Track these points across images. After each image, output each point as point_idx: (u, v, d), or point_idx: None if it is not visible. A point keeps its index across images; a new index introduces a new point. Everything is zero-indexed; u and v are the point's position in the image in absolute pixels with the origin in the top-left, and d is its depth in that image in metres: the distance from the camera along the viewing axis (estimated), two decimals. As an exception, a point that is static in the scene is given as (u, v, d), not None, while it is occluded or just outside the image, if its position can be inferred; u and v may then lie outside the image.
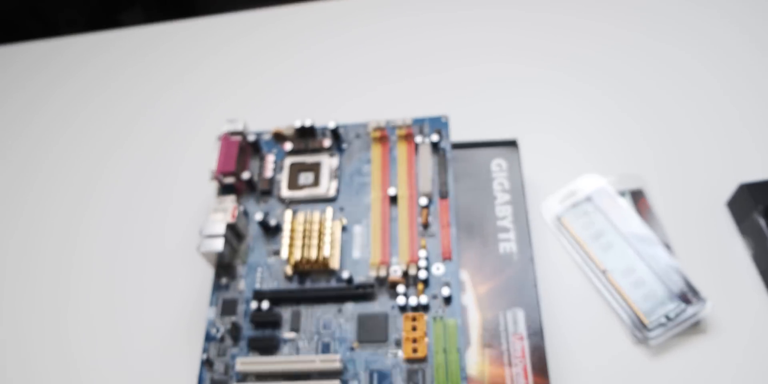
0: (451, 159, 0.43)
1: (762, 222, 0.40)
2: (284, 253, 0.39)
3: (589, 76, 0.54)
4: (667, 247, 0.43)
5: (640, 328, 0.40)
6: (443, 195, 0.42)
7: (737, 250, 0.44)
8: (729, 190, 0.46)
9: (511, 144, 0.44)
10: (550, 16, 0.59)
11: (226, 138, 0.45)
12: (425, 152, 0.43)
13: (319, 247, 0.39)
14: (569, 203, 0.45)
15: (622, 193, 0.46)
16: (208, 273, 0.45)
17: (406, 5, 0.63)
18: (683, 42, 0.56)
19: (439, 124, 0.45)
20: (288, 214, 0.41)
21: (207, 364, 0.38)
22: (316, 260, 0.39)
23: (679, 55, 0.55)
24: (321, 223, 0.40)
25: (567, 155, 0.49)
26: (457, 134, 0.47)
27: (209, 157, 0.49)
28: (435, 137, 0.43)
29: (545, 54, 0.56)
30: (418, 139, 0.44)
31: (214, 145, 0.49)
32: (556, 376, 0.40)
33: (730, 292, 0.42)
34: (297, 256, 0.39)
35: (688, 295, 0.40)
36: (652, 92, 0.52)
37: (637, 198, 0.46)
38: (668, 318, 0.40)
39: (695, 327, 0.40)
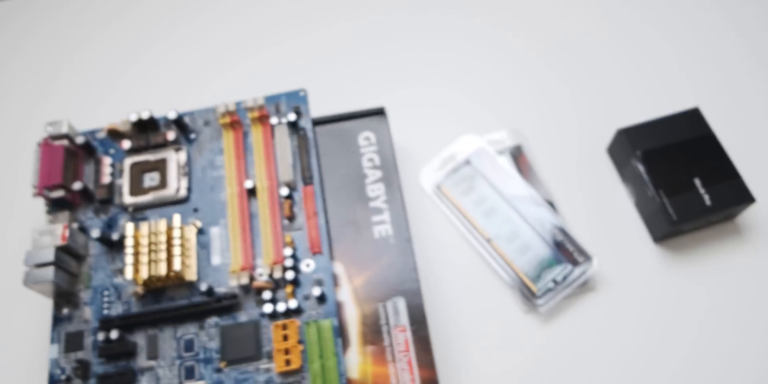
0: (312, 138, 0.38)
1: (641, 168, 0.38)
2: (129, 273, 0.34)
3: (453, 31, 0.49)
4: (551, 204, 0.40)
5: (529, 296, 0.38)
6: (307, 181, 0.37)
7: (620, 199, 0.41)
8: (609, 136, 0.43)
9: (379, 113, 0.40)
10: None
11: (47, 144, 0.38)
12: (282, 135, 0.38)
13: (169, 261, 0.34)
14: (448, 169, 0.41)
15: (501, 152, 0.42)
16: (46, 305, 0.39)
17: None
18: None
19: (297, 100, 0.40)
20: (129, 226, 0.35)
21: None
22: (167, 275, 0.34)
23: (545, 3, 0.51)
24: (168, 232, 0.35)
25: (442, 118, 0.45)
26: (320, 108, 0.42)
27: (31, 169, 0.42)
28: (292, 116, 0.38)
29: (403, 8, 0.50)
30: (274, 120, 0.38)
31: (34, 155, 0.41)
32: (447, 363, 0.37)
33: (615, 243, 0.40)
34: (144, 274, 0.34)
35: (575, 254, 0.38)
36: (520, 43, 0.48)
37: (517, 155, 0.43)
38: (555, 282, 0.37)
39: (585, 286, 0.38)
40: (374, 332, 0.34)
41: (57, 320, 0.35)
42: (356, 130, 0.39)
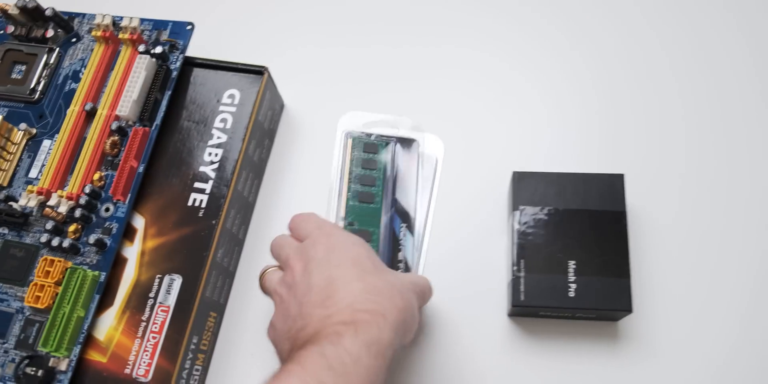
0: (174, 79, 0.34)
1: (516, 226, 0.31)
2: (-63, 158, 0.33)
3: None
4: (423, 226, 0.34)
5: None
6: (144, 122, 0.34)
7: (499, 249, 0.34)
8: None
9: (258, 72, 0.35)
10: None
11: (-68, 6, 0.37)
12: (140, 66, 0.34)
13: (-25, 159, 0.33)
14: (375, 131, 0.36)
15: (430, 157, 0.36)
16: None
17: None
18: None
19: (181, 33, 0.35)
20: (-40, 112, 0.34)
21: None
22: (-31, 173, 0.33)
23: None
24: (-12, 131, 0.34)
25: (356, 98, 0.39)
26: (211, 51, 0.37)
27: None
28: (159, 48, 0.34)
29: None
30: (142, 47, 0.35)
31: None
32: (223, 360, 0.34)
33: (469, 299, 0.34)
34: (-50, 163, 0.33)
35: None
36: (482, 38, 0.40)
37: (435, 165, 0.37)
38: None
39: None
40: (139, 302, 0.31)
41: None
42: (226, 84, 0.35)
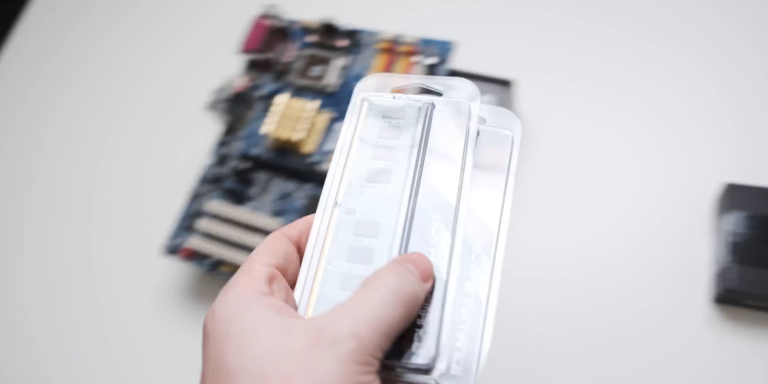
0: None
1: (732, 227, 0.37)
2: (264, 127, 0.47)
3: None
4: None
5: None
6: (416, 115, 0.46)
7: (695, 246, 0.42)
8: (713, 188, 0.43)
9: (504, 83, 0.45)
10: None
11: (259, 20, 0.50)
12: (416, 72, 0.46)
13: (294, 130, 0.46)
14: (403, 96, 0.28)
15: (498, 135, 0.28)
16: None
17: None
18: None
19: (444, 49, 0.47)
20: (284, 95, 0.48)
21: (195, 198, 0.49)
22: (288, 140, 0.46)
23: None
24: (301, 110, 0.47)
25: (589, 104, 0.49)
26: (473, 64, 0.48)
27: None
28: (430, 60, 0.46)
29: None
30: (416, 58, 0.46)
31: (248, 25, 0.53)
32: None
33: (668, 288, 0.41)
34: (276, 133, 0.47)
35: None
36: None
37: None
38: None
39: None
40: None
41: (221, 143, 0.50)
42: (481, 91, 0.45)
